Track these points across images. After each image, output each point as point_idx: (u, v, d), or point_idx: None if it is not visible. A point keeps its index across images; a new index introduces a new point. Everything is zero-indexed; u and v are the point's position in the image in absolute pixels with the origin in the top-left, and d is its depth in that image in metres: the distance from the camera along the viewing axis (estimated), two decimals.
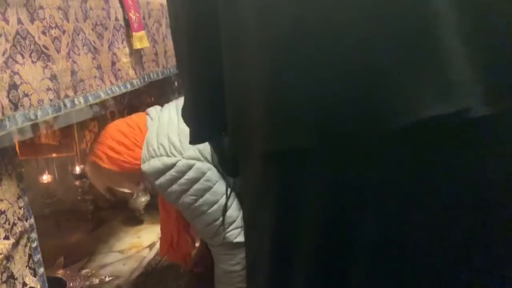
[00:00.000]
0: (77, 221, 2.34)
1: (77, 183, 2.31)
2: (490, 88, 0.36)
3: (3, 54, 0.85)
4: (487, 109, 0.36)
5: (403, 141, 0.39)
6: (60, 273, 1.88)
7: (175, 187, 1.27)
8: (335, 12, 0.37)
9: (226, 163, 0.69)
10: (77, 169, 2.29)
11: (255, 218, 0.54)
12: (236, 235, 1.30)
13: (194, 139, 0.62)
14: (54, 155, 2.29)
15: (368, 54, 0.37)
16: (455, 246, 0.42)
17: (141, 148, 1.32)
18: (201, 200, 1.27)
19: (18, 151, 0.99)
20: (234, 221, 1.30)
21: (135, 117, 1.45)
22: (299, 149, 0.43)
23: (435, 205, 0.41)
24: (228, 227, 1.31)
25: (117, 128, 1.38)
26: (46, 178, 2.26)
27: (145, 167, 1.29)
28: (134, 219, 2.33)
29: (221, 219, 1.29)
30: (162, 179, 1.27)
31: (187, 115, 0.61)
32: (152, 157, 1.27)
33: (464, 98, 0.36)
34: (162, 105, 1.49)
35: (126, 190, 1.63)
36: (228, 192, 1.27)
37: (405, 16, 0.36)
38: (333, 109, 0.39)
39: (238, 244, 1.30)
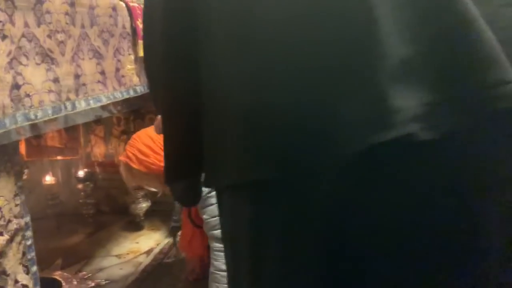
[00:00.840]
0: (78, 224, 2.36)
1: (80, 186, 2.34)
2: (434, 109, 0.36)
3: (8, 55, 0.88)
4: (430, 133, 0.36)
5: (354, 171, 0.39)
6: (57, 274, 1.89)
7: None
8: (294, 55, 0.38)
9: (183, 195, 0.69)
10: (81, 173, 2.32)
11: (232, 258, 0.55)
12: None
13: (172, 178, 0.60)
14: (59, 157, 2.33)
15: (309, 84, 0.38)
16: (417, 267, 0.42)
17: None
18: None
19: (23, 152, 1.01)
20: None
21: None
22: (265, 181, 0.43)
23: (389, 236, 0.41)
24: None
25: (147, 133, 1.53)
26: (49, 179, 2.29)
27: None
28: (134, 225, 2.34)
29: None
30: None
31: (169, 147, 0.58)
32: None
33: (405, 124, 0.35)
34: None
35: (154, 189, 1.76)
36: None
37: (343, 44, 0.37)
38: (289, 141, 0.40)
39: None
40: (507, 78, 0.34)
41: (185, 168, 0.57)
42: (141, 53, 1.47)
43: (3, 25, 0.87)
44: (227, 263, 0.56)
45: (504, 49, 0.35)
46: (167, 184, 0.64)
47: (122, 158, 1.58)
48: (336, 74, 0.37)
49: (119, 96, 1.34)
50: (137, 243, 2.20)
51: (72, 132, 2.23)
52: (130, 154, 1.52)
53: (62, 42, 1.07)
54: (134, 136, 1.57)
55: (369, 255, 0.42)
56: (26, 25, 0.94)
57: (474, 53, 0.35)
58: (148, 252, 2.09)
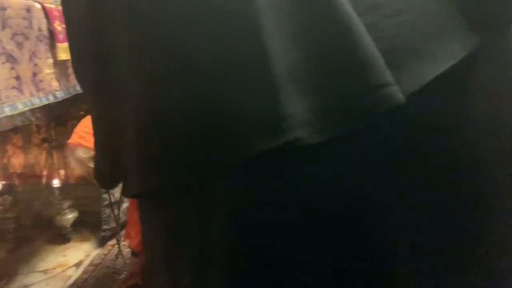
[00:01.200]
0: None
1: None
2: (321, 114, 0.37)
3: None
4: (317, 137, 0.37)
5: (248, 177, 0.39)
6: None
7: None
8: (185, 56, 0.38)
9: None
10: None
11: (150, 266, 0.53)
12: None
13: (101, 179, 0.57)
14: None
15: (202, 90, 0.38)
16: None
17: None
18: None
19: None
20: None
21: None
22: (164, 189, 0.43)
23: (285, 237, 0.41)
24: None
25: None
26: None
27: None
28: (60, 237, 2.22)
29: None
30: None
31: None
32: None
33: (293, 129, 0.36)
34: None
35: None
36: None
37: (231, 51, 0.37)
38: (180, 149, 0.40)
39: None
40: (386, 81, 0.36)
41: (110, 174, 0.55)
42: (60, 56, 1.40)
43: None
44: (146, 271, 0.55)
45: (387, 57, 0.37)
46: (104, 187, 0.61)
47: (71, 141, 1.48)
48: (226, 81, 0.38)
49: (37, 102, 1.27)
50: (65, 256, 2.09)
51: None
52: (83, 134, 1.44)
53: None
54: (85, 118, 1.51)
55: (271, 265, 0.42)
56: None
57: (355, 59, 0.36)
58: (77, 265, 1.99)
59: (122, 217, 2.16)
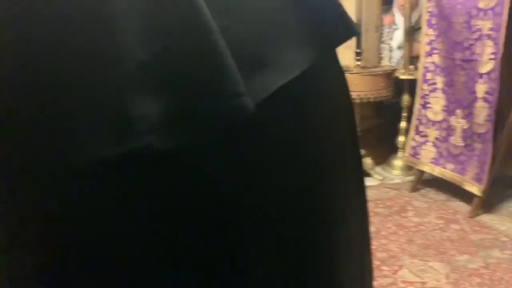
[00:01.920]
0: None
1: None
2: (172, 119, 0.36)
3: None
4: (169, 143, 0.35)
5: (93, 185, 0.38)
6: None
7: None
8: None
9: None
10: None
11: None
12: None
13: None
14: None
15: (43, 92, 0.36)
16: None
17: None
18: None
19: None
20: None
21: None
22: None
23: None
24: None
25: None
26: None
27: None
28: None
29: None
30: None
31: None
32: None
33: (144, 134, 0.35)
34: None
35: None
36: None
37: (81, 50, 0.36)
38: (23, 152, 0.38)
39: None
40: (239, 90, 0.36)
41: None
42: None
43: None
44: None
45: (237, 64, 0.36)
46: None
47: None
48: (70, 80, 0.36)
49: None
50: None
51: None
52: None
53: None
54: None
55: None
56: None
57: (209, 64, 0.36)
58: None
59: None
